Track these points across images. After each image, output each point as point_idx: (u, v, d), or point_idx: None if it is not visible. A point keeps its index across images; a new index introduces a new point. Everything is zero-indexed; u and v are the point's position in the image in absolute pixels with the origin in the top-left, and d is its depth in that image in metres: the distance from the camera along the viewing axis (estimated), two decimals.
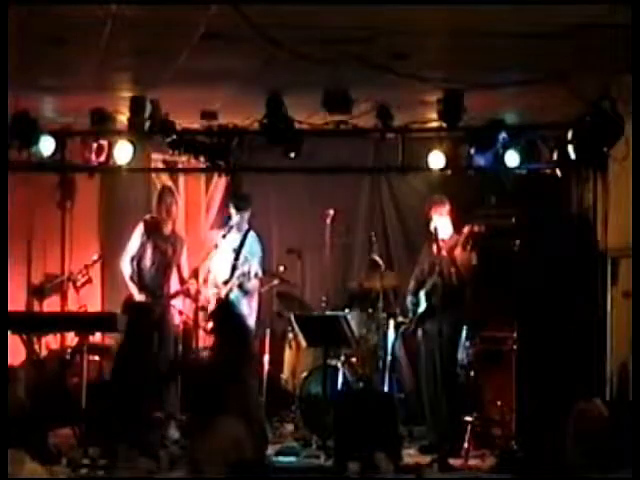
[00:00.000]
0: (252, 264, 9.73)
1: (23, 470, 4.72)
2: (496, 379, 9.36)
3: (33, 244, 10.68)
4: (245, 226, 9.98)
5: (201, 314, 9.87)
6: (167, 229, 9.52)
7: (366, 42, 6.91)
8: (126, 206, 10.88)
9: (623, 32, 6.49)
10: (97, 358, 9.75)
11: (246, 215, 9.96)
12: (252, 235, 9.99)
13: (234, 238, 9.93)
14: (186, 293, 9.66)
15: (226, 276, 9.82)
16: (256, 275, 9.73)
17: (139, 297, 9.41)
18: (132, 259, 9.51)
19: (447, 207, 9.39)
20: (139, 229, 9.55)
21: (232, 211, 10.02)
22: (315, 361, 9.64)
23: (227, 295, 9.70)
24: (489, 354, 9.47)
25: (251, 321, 9.78)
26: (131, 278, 9.49)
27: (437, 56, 7.45)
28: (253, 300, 10.00)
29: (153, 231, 9.50)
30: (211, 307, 9.66)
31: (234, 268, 9.78)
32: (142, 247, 9.50)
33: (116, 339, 9.74)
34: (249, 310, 9.85)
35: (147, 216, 9.66)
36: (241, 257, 9.80)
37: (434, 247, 9.29)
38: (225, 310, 8.72)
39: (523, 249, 9.39)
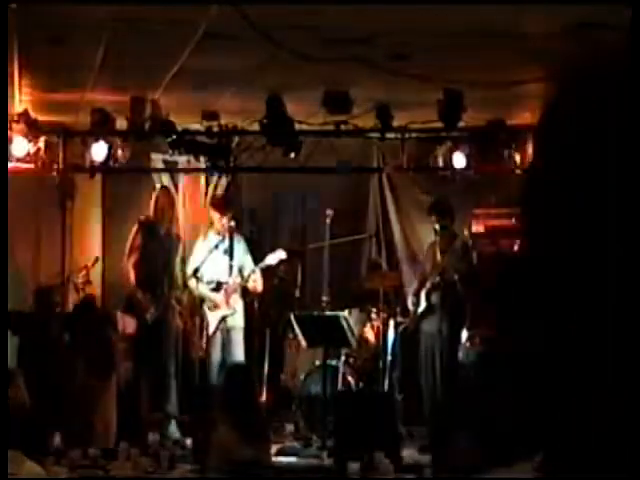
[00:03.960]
0: (246, 264, 9.72)
1: (22, 470, 4.72)
2: (496, 379, 9.35)
3: (33, 244, 10.67)
4: (231, 227, 9.82)
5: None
6: (163, 229, 9.50)
7: (366, 42, 6.91)
8: (126, 206, 10.87)
9: (623, 32, 6.48)
10: None
11: (228, 218, 9.84)
12: (237, 235, 9.90)
13: (222, 240, 9.89)
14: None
15: (223, 278, 9.77)
16: (254, 271, 9.70)
17: (142, 297, 9.41)
18: (131, 260, 9.50)
19: (451, 208, 9.39)
20: (135, 230, 9.55)
21: (215, 215, 9.87)
22: (315, 361, 9.64)
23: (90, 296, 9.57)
24: (489, 354, 9.46)
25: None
26: (132, 279, 9.48)
27: (437, 56, 7.44)
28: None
29: (148, 231, 9.49)
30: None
31: (231, 269, 9.75)
32: (139, 248, 9.49)
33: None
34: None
35: (142, 217, 9.66)
36: (234, 258, 9.77)
37: (437, 247, 9.30)
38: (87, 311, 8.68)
39: (523, 249, 9.37)
